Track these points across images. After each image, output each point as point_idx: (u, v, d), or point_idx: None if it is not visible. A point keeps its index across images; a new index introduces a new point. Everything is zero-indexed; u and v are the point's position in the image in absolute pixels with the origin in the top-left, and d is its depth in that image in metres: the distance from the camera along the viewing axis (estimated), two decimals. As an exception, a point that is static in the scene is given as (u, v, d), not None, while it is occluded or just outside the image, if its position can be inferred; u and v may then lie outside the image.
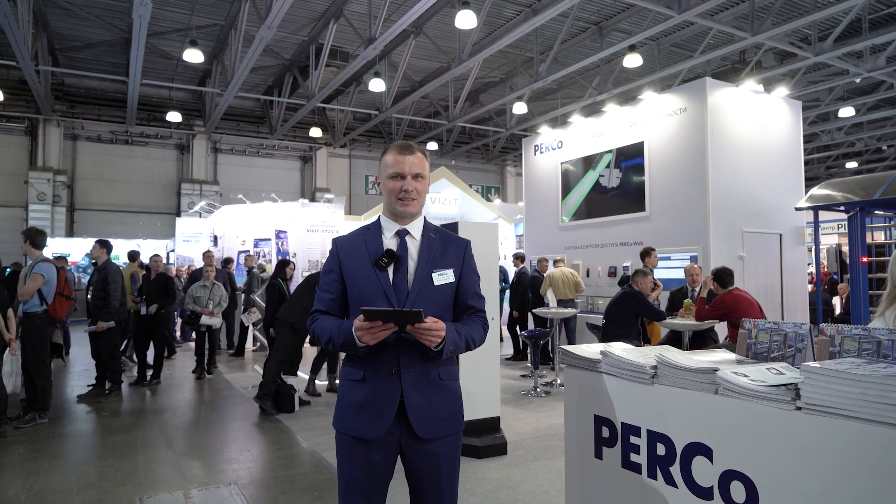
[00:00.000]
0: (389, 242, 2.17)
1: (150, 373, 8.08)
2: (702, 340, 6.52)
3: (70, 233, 18.42)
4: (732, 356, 2.28)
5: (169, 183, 20.40)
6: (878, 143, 22.32)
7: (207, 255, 9.42)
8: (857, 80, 16.09)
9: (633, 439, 2.25)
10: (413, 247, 2.17)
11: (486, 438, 5.12)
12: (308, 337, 2.27)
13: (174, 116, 17.40)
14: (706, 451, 1.98)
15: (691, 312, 6.35)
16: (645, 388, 2.21)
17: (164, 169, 20.37)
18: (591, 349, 2.56)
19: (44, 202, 17.77)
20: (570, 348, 2.59)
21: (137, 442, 5.50)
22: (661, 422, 2.15)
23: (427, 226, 2.25)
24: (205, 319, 8.31)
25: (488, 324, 2.27)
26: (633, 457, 2.25)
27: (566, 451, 2.62)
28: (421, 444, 2.10)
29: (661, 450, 2.14)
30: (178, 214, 18.93)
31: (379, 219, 2.25)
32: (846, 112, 18.03)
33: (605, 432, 2.38)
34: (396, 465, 2.14)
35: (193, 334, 8.88)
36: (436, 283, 2.13)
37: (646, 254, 7.81)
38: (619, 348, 2.48)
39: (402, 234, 2.18)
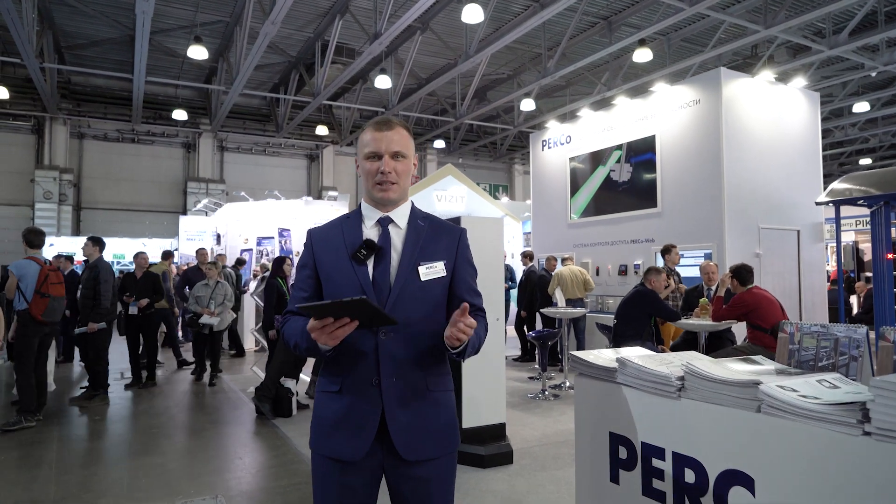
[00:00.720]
0: (370, 232, 1.86)
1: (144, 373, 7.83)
2: (718, 341, 6.16)
3: (76, 232, 18.22)
4: (772, 365, 1.94)
5: (175, 181, 20.18)
6: (893, 139, 21.75)
7: (202, 253, 9.07)
8: (873, 74, 15.64)
9: (656, 462, 1.91)
10: (397, 237, 1.86)
11: (491, 447, 4.79)
12: None
13: (180, 114, 17.16)
14: (746, 481, 1.64)
15: (707, 312, 5.98)
16: (670, 402, 1.87)
17: (170, 167, 20.16)
18: (605, 356, 2.22)
19: (50, 201, 17.59)
20: (582, 355, 2.25)
21: (125, 448, 5.21)
22: (691, 443, 1.81)
23: (415, 212, 1.93)
24: (205, 319, 7.90)
25: (488, 324, 1.95)
26: (656, 483, 1.91)
27: (577, 474, 2.28)
28: (407, 468, 1.78)
29: (689, 476, 1.80)
30: (185, 213, 18.70)
31: (360, 206, 1.94)
32: (861, 107, 17.54)
33: (623, 453, 2.05)
34: (381, 488, 1.83)
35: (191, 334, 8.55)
36: (423, 277, 1.81)
37: (666, 251, 7.42)
38: (638, 355, 2.15)
39: (384, 223, 1.86)
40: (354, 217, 1.91)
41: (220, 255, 10.73)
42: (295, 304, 1.90)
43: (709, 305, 6.03)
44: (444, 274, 1.85)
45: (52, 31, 14.20)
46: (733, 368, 1.86)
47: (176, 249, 15.42)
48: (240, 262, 10.86)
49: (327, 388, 1.84)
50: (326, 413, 1.83)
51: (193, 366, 8.41)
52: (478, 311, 1.90)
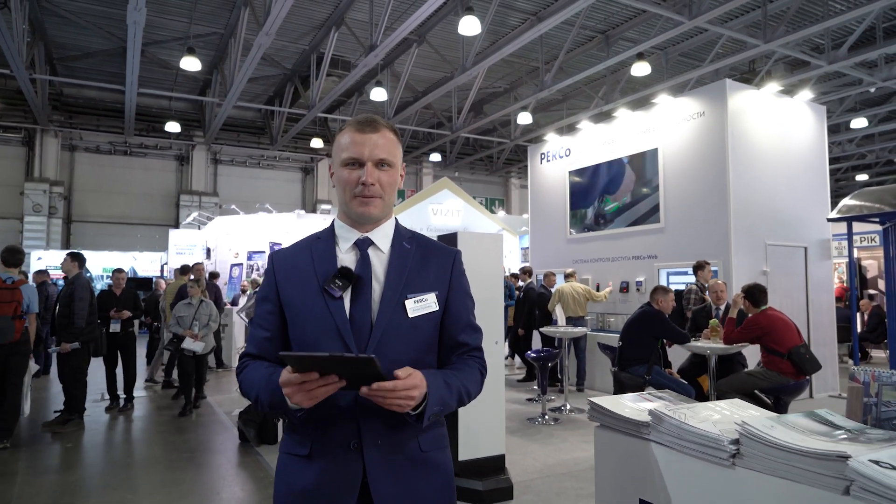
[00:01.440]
0: (345, 257, 1.49)
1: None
2: (729, 365, 5.78)
3: (66, 245, 17.79)
4: (843, 421, 1.56)
5: (168, 194, 19.80)
6: (889, 156, 21.57)
7: (197, 269, 8.56)
8: (872, 90, 15.47)
9: (703, 545, 1.53)
10: (379, 262, 1.49)
11: (489, 481, 4.38)
12: None
13: (173, 127, 16.82)
14: (831, 585, 1.26)
15: (718, 334, 5.60)
16: (722, 471, 1.49)
17: (163, 180, 19.78)
18: (632, 405, 1.84)
19: (39, 214, 17.17)
20: (604, 403, 1.86)
21: (95, 482, 4.77)
22: (750, 525, 1.43)
23: (400, 232, 1.55)
24: (188, 343, 7.12)
25: (486, 367, 1.57)
26: (704, 571, 1.53)
27: (600, 547, 1.89)
28: None
29: (749, 568, 1.41)
30: (177, 226, 18.31)
31: (333, 224, 1.56)
32: (858, 123, 17.33)
33: (658, 527, 1.66)
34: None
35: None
36: (410, 313, 1.45)
37: (699, 267, 6.91)
38: (672, 406, 1.76)
39: (362, 246, 1.49)
40: (326, 238, 1.53)
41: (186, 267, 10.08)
42: (253, 345, 1.52)
43: (719, 327, 5.65)
44: (436, 308, 1.48)
45: (43, 42, 13.88)
46: (800, 426, 1.48)
47: (165, 264, 15.02)
48: (212, 276, 10.33)
49: (293, 450, 1.46)
50: (292, 481, 1.45)
51: (176, 391, 7.87)
52: (473, 352, 1.54)
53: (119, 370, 7.33)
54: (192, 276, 8.04)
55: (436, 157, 21.93)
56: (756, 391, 5.25)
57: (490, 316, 4.83)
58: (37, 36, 13.31)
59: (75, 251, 6.67)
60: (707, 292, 6.59)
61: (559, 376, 8.39)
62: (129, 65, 12.38)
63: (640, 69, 12.38)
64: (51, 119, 17.29)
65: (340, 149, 1.48)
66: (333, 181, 1.53)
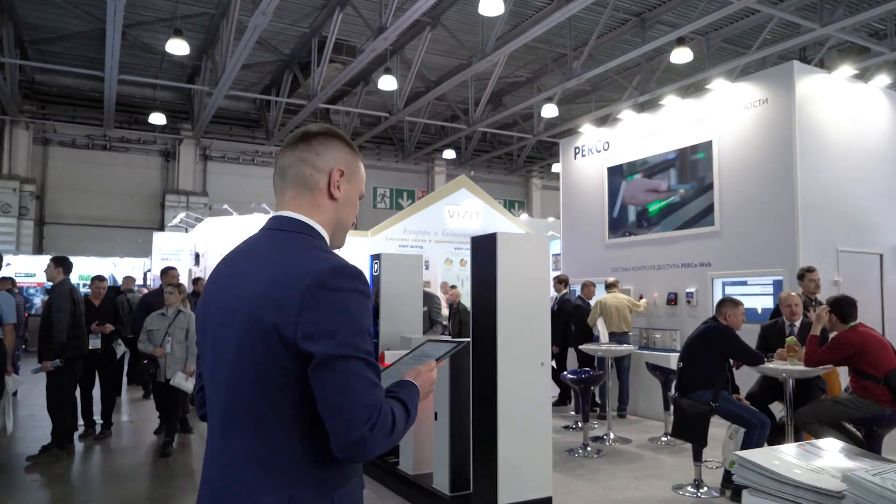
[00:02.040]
0: None
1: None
2: (807, 390, 5.42)
3: (39, 249, 17.62)
4: None
5: (152, 194, 19.61)
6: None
7: (172, 275, 7.68)
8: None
9: None
10: None
11: (537, 530, 4.03)
12: None
13: (158, 118, 16.57)
14: None
15: (796, 354, 5.23)
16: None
17: (146, 178, 19.60)
18: (800, 464, 1.48)
19: (8, 215, 16.96)
20: (760, 460, 1.50)
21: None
22: None
23: None
24: (179, 380, 6.16)
25: None
26: None
27: None
28: None
29: None
30: (162, 229, 18.10)
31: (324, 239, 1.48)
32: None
33: None
34: None
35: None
36: None
37: (800, 276, 6.18)
38: (877, 468, 1.41)
39: None
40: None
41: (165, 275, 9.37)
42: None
43: (797, 346, 5.28)
44: None
45: (12, 23, 13.65)
46: None
47: (148, 271, 14.74)
48: (197, 282, 9.95)
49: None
50: None
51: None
52: None
53: (96, 391, 6.97)
54: (171, 280, 7.26)
55: (450, 153, 21.66)
56: (843, 422, 4.89)
57: (534, 329, 4.50)
58: (5, 16, 13.09)
59: (60, 256, 6.32)
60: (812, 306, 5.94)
61: (598, 401, 8.04)
62: (109, 48, 12.16)
63: (681, 56, 12.02)
64: (21, 109, 17.07)
65: (360, 177, 1.53)
66: (338, 193, 1.46)
